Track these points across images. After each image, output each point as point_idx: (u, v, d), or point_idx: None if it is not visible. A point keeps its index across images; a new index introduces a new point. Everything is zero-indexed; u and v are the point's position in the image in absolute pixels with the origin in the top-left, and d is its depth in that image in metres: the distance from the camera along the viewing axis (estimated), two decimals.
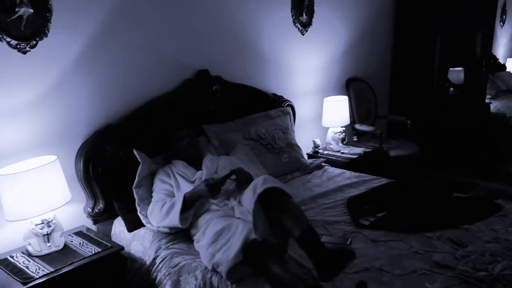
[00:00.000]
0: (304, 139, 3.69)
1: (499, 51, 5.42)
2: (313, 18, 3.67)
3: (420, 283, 1.70)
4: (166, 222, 2.18)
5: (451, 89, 4.82)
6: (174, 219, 2.14)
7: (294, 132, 3.42)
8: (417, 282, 1.71)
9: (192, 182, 2.35)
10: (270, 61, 3.44)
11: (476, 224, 2.18)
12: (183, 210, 2.14)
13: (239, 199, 2.18)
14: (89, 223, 2.46)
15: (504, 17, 5.40)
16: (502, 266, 1.72)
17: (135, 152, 2.44)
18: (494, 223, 2.20)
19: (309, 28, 3.66)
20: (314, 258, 1.77)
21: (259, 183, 1.94)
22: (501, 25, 5.35)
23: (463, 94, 4.75)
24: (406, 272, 1.78)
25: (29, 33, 2.12)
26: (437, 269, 1.80)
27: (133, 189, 2.36)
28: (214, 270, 1.89)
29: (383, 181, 2.89)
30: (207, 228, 2.08)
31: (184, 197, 2.18)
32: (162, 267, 2.08)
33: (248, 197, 1.96)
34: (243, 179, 2.28)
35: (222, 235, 1.96)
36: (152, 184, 2.41)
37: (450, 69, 4.72)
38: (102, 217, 2.47)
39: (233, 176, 2.24)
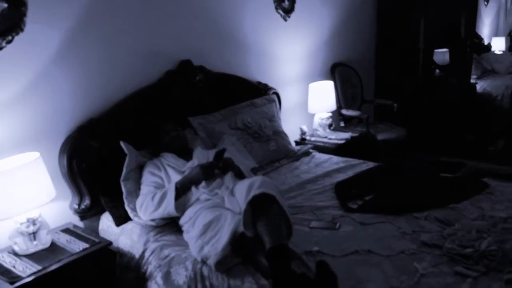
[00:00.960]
0: (291, 126, 3.71)
1: (484, 31, 5.47)
2: (295, 4, 3.67)
3: (408, 263, 1.74)
4: (159, 212, 2.19)
5: (437, 70, 4.87)
6: (169, 207, 2.16)
7: (280, 119, 3.43)
8: (406, 262, 1.75)
9: (183, 172, 2.37)
10: (253, 49, 3.44)
11: (463, 203, 2.23)
12: (176, 198, 2.17)
13: (231, 189, 2.20)
14: (76, 220, 2.46)
15: None
16: (487, 243, 1.76)
17: (122, 144, 2.45)
18: (480, 201, 2.24)
19: (292, 14, 3.66)
20: (275, 279, 1.65)
21: (256, 184, 1.93)
22: (485, 4, 5.39)
23: (449, 75, 4.80)
24: (394, 253, 1.82)
25: (3, 28, 2.09)
26: (424, 248, 1.84)
27: (121, 182, 2.37)
28: (204, 261, 1.91)
29: (371, 165, 2.93)
30: (196, 219, 2.09)
31: (176, 186, 2.21)
32: (152, 259, 2.09)
33: (241, 194, 1.98)
34: (229, 167, 2.33)
35: (211, 227, 1.97)
36: (140, 177, 2.43)
37: (435, 50, 4.77)
38: (89, 213, 2.47)
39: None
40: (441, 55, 4.81)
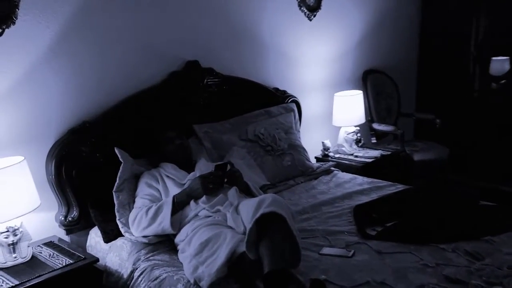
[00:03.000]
0: (312, 140, 3.77)
1: None
2: (322, 1, 3.75)
3: None
4: (152, 228, 2.29)
5: (493, 83, 4.82)
6: (164, 223, 2.26)
7: (299, 132, 3.51)
8: None
9: (183, 185, 2.47)
10: (271, 51, 3.52)
11: (500, 236, 2.25)
12: (172, 213, 2.27)
13: (235, 205, 2.28)
14: (61, 233, 2.56)
15: None
16: None
17: (116, 150, 2.55)
18: None
19: (318, 13, 3.75)
20: None
21: (266, 202, 2.00)
22: None
23: (507, 88, 4.74)
24: (411, 287, 1.86)
25: None
26: (446, 283, 1.87)
27: (113, 193, 2.47)
28: (197, 284, 1.99)
29: (400, 187, 2.98)
30: (193, 237, 2.18)
31: (173, 199, 2.32)
32: (141, 280, 2.18)
33: (248, 211, 2.04)
34: (236, 181, 2.43)
35: (208, 246, 2.05)
36: (135, 188, 2.54)
37: (493, 58, 4.68)
38: (76, 227, 2.57)
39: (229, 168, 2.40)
40: (499, 64, 4.68)
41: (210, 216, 2.30)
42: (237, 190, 2.42)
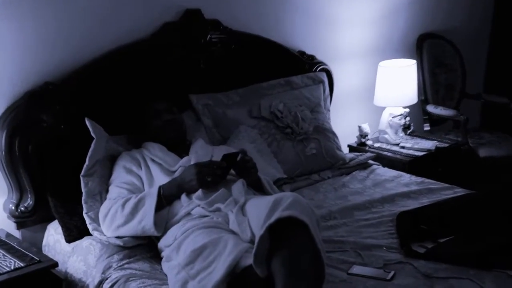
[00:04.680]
0: (345, 123, 3.75)
1: None
2: None
3: None
4: (130, 226, 2.29)
5: None
6: (145, 221, 2.25)
7: (329, 111, 3.47)
8: None
9: (173, 172, 2.47)
10: (297, 3, 3.50)
11: None
12: (157, 209, 2.26)
13: (241, 204, 2.26)
14: (11, 227, 2.57)
15: None
16: None
17: (87, 122, 2.54)
18: None
19: None
20: None
21: (284, 202, 1.98)
22: None
23: None
24: None
25: None
26: None
27: (81, 178, 2.46)
28: None
29: (460, 192, 2.95)
30: (183, 242, 2.17)
31: (159, 190, 2.31)
32: None
33: (260, 213, 2.03)
34: (248, 173, 2.43)
35: (203, 255, 2.04)
36: (109, 173, 2.54)
37: None
38: (30, 219, 2.58)
39: (240, 157, 2.39)
40: None
41: (207, 216, 2.29)
42: (244, 184, 2.40)
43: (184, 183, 2.36)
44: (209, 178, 2.33)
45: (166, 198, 2.34)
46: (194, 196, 2.34)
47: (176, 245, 2.20)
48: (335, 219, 2.65)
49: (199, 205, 2.32)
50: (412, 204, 2.80)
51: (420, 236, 2.44)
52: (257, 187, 2.50)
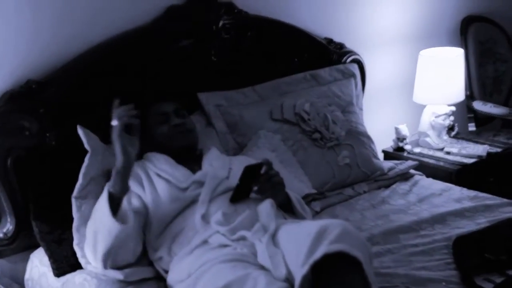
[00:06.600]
0: (379, 124, 3.72)
1: None
2: None
3: None
4: (100, 236, 2.21)
5: None
6: (100, 239, 2.20)
7: (361, 110, 3.43)
8: None
9: (184, 189, 2.41)
10: None
11: None
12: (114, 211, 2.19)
13: (272, 231, 2.17)
14: None
15: None
16: None
17: (80, 131, 2.48)
18: None
19: None
20: None
21: (331, 233, 1.94)
22: None
23: None
24: None
25: None
26: None
27: (72, 200, 2.41)
28: None
29: None
30: (200, 279, 2.09)
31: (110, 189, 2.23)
32: None
33: (298, 245, 1.96)
34: (273, 190, 2.37)
35: None
36: None
37: None
38: (9, 247, 2.55)
39: (263, 169, 2.34)
40: None
41: (228, 245, 2.19)
42: (273, 205, 2.31)
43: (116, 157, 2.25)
44: (129, 120, 2.23)
45: (117, 193, 2.23)
46: (212, 220, 2.25)
47: (192, 283, 2.11)
48: (377, 245, 2.53)
49: (219, 232, 2.23)
50: (467, 226, 2.70)
51: (484, 267, 2.34)
52: (284, 207, 2.43)
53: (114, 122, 2.19)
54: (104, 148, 2.54)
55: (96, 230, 2.23)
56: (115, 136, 2.19)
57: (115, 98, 2.22)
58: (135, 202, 2.37)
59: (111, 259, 2.25)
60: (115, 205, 2.20)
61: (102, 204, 2.20)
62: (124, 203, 2.23)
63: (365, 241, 2.04)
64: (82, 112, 2.61)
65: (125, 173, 2.24)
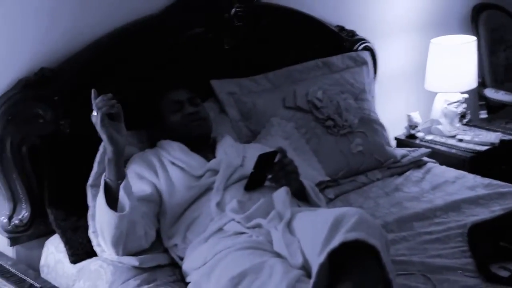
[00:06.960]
0: (391, 111, 3.73)
1: None
2: None
3: None
4: (104, 223, 2.22)
5: None
6: (104, 226, 2.21)
7: (373, 97, 3.43)
8: None
9: (198, 177, 2.41)
10: None
11: None
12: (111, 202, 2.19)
13: (287, 219, 2.16)
14: (3, 243, 2.53)
15: None
16: None
17: (93, 118, 2.43)
18: None
19: None
20: None
21: (348, 221, 1.92)
22: None
23: None
24: None
25: None
26: None
27: (87, 188, 2.42)
28: None
29: None
30: (217, 266, 2.08)
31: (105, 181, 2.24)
32: None
33: (315, 233, 1.96)
34: (288, 178, 2.37)
35: (243, 284, 1.95)
36: None
37: None
38: (25, 234, 2.54)
39: (278, 158, 2.34)
40: None
41: (244, 233, 2.20)
42: (288, 193, 2.31)
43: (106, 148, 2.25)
44: (110, 109, 2.19)
45: (113, 183, 2.23)
46: (227, 208, 2.26)
47: (207, 270, 2.10)
48: (392, 232, 2.53)
49: (234, 219, 2.23)
50: (481, 213, 2.70)
51: (499, 255, 2.34)
52: (299, 195, 2.43)
53: (95, 113, 2.17)
54: None
55: (100, 221, 2.26)
56: (98, 127, 2.17)
57: (93, 89, 2.20)
58: (146, 189, 2.38)
59: (121, 247, 2.25)
60: (114, 194, 2.21)
61: (100, 195, 2.23)
62: (121, 191, 2.22)
63: (381, 229, 2.03)
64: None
65: (118, 161, 2.23)
